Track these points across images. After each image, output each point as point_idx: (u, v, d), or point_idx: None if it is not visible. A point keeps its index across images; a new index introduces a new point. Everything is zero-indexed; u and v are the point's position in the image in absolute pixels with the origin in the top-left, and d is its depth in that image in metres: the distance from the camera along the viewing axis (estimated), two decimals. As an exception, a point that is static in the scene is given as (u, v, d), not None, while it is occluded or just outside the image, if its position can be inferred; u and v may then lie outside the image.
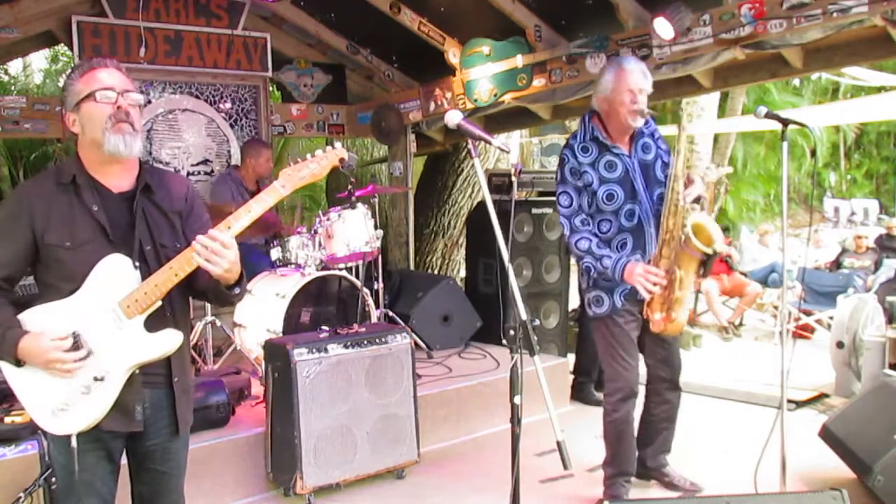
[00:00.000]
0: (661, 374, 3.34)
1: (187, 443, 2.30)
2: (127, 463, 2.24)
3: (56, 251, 2.03)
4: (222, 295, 2.14)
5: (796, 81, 16.11)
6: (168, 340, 2.07)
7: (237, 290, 2.14)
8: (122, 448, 2.17)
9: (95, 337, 2.02)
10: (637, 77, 3.09)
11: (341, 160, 2.20)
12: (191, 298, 2.28)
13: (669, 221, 2.96)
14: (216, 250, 1.97)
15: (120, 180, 2.12)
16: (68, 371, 1.98)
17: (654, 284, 2.95)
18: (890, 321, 5.07)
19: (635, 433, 3.36)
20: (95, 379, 2.00)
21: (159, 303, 2.05)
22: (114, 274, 2.03)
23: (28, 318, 2.04)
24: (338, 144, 2.21)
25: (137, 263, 2.05)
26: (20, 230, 2.04)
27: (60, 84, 12.23)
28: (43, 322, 2.02)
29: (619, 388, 3.24)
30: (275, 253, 4.79)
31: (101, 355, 2.02)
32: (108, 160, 2.06)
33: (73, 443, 2.01)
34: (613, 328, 3.20)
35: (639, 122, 3.13)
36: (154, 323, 2.07)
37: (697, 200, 3.02)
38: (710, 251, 2.86)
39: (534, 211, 5.52)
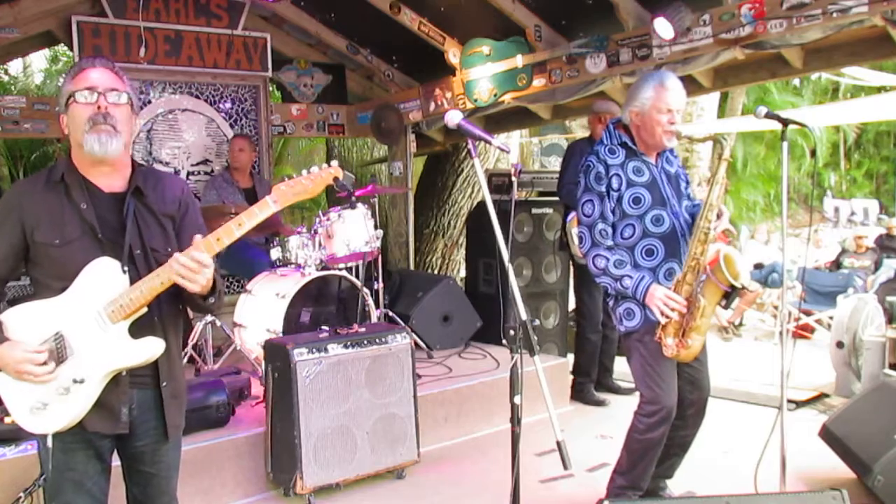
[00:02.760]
0: (689, 397, 3.18)
1: (179, 445, 2.29)
2: (119, 464, 2.23)
3: (46, 248, 2.03)
4: (196, 304, 2.15)
5: (796, 81, 16.12)
6: (149, 348, 2.05)
7: (211, 300, 2.13)
8: (111, 447, 2.16)
9: (78, 339, 2.01)
10: (677, 97, 3.00)
11: (335, 179, 2.18)
12: None
13: (697, 249, 2.89)
14: (193, 269, 1.97)
15: (111, 180, 2.11)
16: (39, 382, 1.99)
17: (673, 310, 2.88)
18: (890, 321, 5.07)
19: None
20: (75, 381, 1.99)
21: (145, 309, 2.04)
22: (102, 277, 2.02)
23: (11, 316, 2.03)
24: (334, 163, 2.19)
25: (126, 268, 2.04)
26: (10, 228, 2.04)
27: (60, 84, 12.26)
28: (25, 322, 2.02)
29: (657, 410, 3.06)
30: (275, 253, 4.79)
31: (82, 358, 2.01)
32: (95, 161, 2.06)
33: (49, 442, 2.01)
34: (649, 345, 3.00)
35: (672, 143, 3.07)
36: (140, 329, 2.05)
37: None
38: (738, 284, 2.84)
39: (534, 211, 5.52)
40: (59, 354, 2.01)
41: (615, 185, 3.04)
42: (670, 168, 3.18)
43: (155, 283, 2.01)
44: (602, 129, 4.92)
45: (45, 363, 1.98)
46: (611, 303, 3.17)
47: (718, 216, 2.96)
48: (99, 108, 2.03)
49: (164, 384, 2.15)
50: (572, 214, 4.90)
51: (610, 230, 3.06)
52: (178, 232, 2.18)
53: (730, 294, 2.91)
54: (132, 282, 2.03)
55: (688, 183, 3.25)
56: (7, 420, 3.22)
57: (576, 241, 4.94)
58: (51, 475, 2.06)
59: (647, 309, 2.99)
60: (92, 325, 2.01)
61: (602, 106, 5.06)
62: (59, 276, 2.03)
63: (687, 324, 2.91)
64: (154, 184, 2.19)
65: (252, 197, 5.48)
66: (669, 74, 3.10)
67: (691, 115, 10.01)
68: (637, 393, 3.21)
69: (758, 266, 8.30)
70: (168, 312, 2.16)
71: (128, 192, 2.11)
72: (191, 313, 4.83)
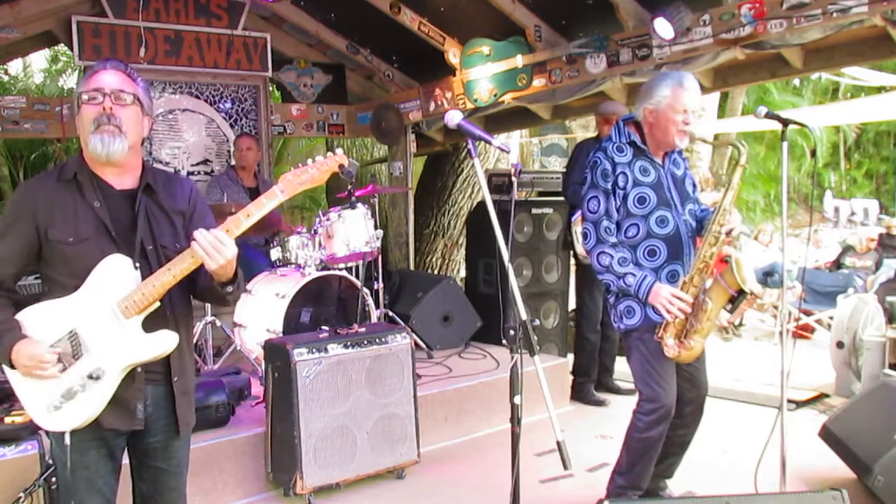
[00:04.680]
0: (686, 395, 3.18)
1: (189, 441, 2.31)
2: (128, 461, 2.25)
3: (59, 247, 2.04)
4: (218, 294, 2.16)
5: (796, 81, 16.12)
6: (164, 341, 2.08)
7: (230, 289, 2.15)
8: (123, 446, 2.18)
9: (93, 336, 2.03)
10: (694, 98, 2.99)
11: (341, 166, 2.20)
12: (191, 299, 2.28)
13: (707, 251, 2.89)
14: (215, 245, 1.99)
15: (121, 179, 2.13)
16: (44, 378, 2.00)
17: (679, 309, 2.88)
18: (890, 321, 5.07)
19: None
20: (91, 377, 2.01)
21: (157, 304, 2.06)
22: (114, 273, 2.04)
23: (26, 316, 2.05)
24: (339, 150, 2.21)
25: (138, 263, 2.06)
26: (24, 226, 2.06)
27: (60, 84, 12.26)
28: (40, 322, 2.03)
29: (656, 408, 3.07)
30: (275, 253, 4.79)
31: (97, 354, 2.03)
32: (103, 161, 2.08)
33: (67, 440, 2.02)
34: (650, 343, 3.00)
35: (685, 143, 3.05)
36: (153, 323, 2.08)
37: (729, 233, 2.96)
38: (746, 289, 2.84)
39: (534, 211, 5.52)
40: (73, 352, 2.02)
41: (621, 183, 3.03)
42: (677, 170, 3.17)
43: (167, 276, 2.02)
44: (609, 129, 4.94)
45: (57, 362, 1.99)
46: (611, 300, 3.17)
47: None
48: (104, 109, 2.04)
49: (176, 379, 2.17)
50: (577, 214, 4.89)
51: (614, 227, 3.06)
52: (187, 230, 2.19)
53: (736, 298, 2.90)
54: (143, 277, 2.05)
55: (695, 186, 3.24)
56: (7, 420, 3.23)
57: (580, 239, 4.94)
58: (64, 473, 2.07)
59: (648, 307, 2.99)
60: (106, 322, 2.03)
61: (608, 107, 5.05)
62: (72, 274, 2.04)
63: (691, 326, 2.92)
64: (164, 182, 2.21)
65: (256, 196, 5.47)
66: (688, 75, 3.07)
67: (691, 115, 9.99)
68: (637, 393, 3.21)
69: (768, 273, 8.21)
70: (179, 308, 2.18)
71: (139, 189, 2.13)
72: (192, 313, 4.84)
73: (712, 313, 2.90)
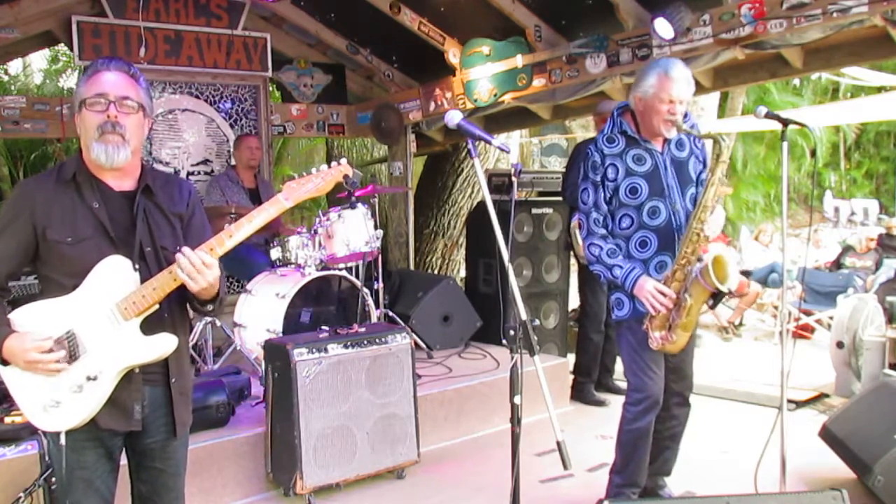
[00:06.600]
0: (672, 387, 3.22)
1: (187, 442, 2.30)
2: (127, 461, 2.24)
3: (58, 247, 2.04)
4: (196, 308, 2.17)
5: (796, 81, 16.10)
6: (163, 344, 2.07)
7: (210, 307, 2.15)
8: (121, 446, 2.18)
9: (91, 336, 2.02)
10: (681, 87, 2.95)
11: (345, 177, 2.21)
12: None
13: (688, 248, 2.90)
14: (199, 268, 1.99)
15: (120, 181, 2.13)
16: (50, 372, 1.99)
17: (661, 304, 2.90)
18: (890, 321, 5.07)
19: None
20: (88, 378, 2.01)
21: (157, 306, 2.06)
22: (113, 275, 2.03)
23: (20, 316, 2.04)
24: (343, 161, 2.22)
25: (137, 265, 2.05)
26: (21, 225, 2.05)
27: (61, 84, 12.26)
28: (36, 321, 2.02)
29: (644, 398, 3.10)
30: (275, 253, 4.79)
31: (95, 355, 2.02)
32: (106, 168, 2.07)
33: (62, 440, 2.02)
34: (638, 334, 3.04)
35: (671, 133, 3.03)
36: (151, 326, 2.07)
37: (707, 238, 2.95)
38: (724, 289, 2.83)
39: (534, 211, 5.52)
40: (71, 352, 2.01)
41: (611, 175, 3.04)
42: (680, 153, 3.13)
43: (168, 279, 2.02)
44: None
45: (51, 350, 1.98)
46: (605, 288, 3.21)
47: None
48: (109, 116, 2.03)
49: (174, 380, 2.17)
50: (577, 216, 4.90)
51: (602, 219, 3.09)
52: (184, 233, 2.19)
53: (716, 295, 2.91)
54: (143, 279, 2.04)
55: (704, 164, 3.17)
56: (7, 420, 3.23)
57: (580, 241, 4.94)
58: (60, 473, 2.06)
59: (636, 300, 3.03)
60: (104, 323, 2.03)
61: (605, 107, 5.04)
62: (71, 274, 2.03)
63: (673, 320, 2.94)
64: (163, 184, 2.20)
65: (256, 197, 5.49)
66: (676, 63, 3.02)
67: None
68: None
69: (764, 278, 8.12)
70: (178, 311, 2.18)
71: (138, 190, 2.12)
72: (191, 313, 4.84)
73: (692, 309, 2.91)
